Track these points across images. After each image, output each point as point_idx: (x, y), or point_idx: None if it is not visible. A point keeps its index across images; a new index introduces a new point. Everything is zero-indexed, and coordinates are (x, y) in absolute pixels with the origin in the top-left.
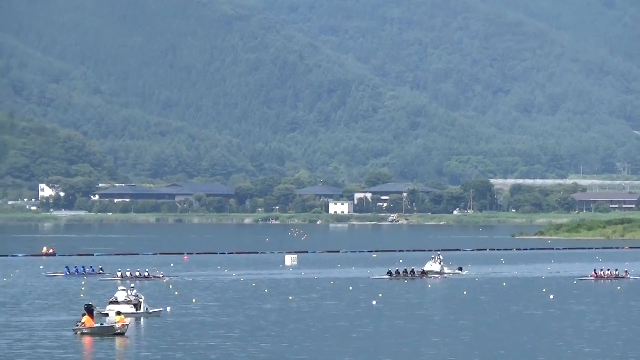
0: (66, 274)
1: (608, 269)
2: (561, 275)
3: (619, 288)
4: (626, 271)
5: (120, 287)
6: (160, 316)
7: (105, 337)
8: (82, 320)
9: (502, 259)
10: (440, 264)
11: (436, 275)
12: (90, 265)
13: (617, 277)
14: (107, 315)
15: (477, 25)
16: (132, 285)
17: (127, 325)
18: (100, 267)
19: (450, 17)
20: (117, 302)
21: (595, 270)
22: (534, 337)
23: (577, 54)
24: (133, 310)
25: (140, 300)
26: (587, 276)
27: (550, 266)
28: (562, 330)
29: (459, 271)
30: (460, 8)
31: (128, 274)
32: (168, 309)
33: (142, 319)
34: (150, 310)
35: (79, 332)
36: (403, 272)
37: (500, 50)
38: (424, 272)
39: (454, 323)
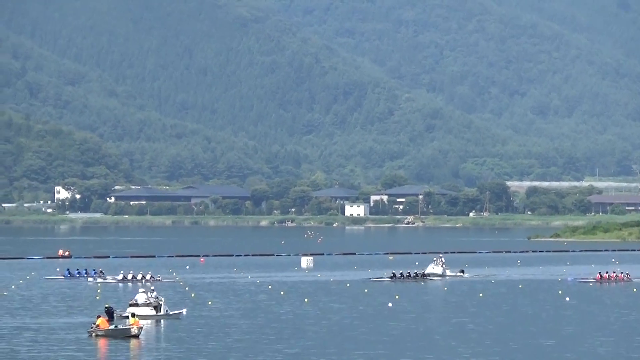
0: (67, 276)
1: (614, 272)
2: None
3: (635, 290)
4: (628, 274)
5: (140, 290)
6: (180, 318)
7: (120, 340)
8: (97, 323)
9: (518, 261)
10: (442, 266)
11: (438, 278)
12: (93, 269)
13: (622, 280)
14: (127, 317)
15: (493, 27)
16: (152, 287)
17: (142, 327)
18: (100, 269)
19: (466, 19)
20: (137, 305)
21: (600, 273)
22: (555, 339)
23: (592, 56)
24: (153, 312)
25: (161, 302)
26: (587, 278)
27: (556, 269)
28: (583, 333)
29: (461, 274)
30: (476, 10)
31: (130, 276)
32: (184, 311)
33: (162, 321)
34: (170, 313)
35: (94, 335)
36: (407, 274)
37: (516, 52)
38: (424, 275)
39: (474, 326)
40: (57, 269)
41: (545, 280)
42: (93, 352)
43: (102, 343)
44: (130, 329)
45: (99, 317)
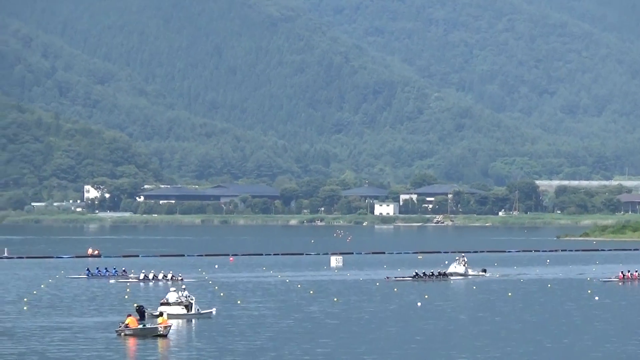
0: (88, 276)
1: (636, 271)
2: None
3: None
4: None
5: (171, 289)
6: (211, 317)
7: (148, 339)
8: (126, 322)
9: (547, 260)
10: (464, 265)
11: (460, 277)
12: (114, 267)
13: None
14: (159, 316)
15: (523, 26)
16: (183, 286)
17: (170, 327)
18: (123, 269)
19: (496, 18)
20: (168, 304)
21: (622, 272)
22: (587, 338)
23: (622, 55)
24: (184, 311)
25: (192, 301)
26: (610, 278)
27: (583, 268)
28: (612, 332)
29: (483, 273)
30: (506, 9)
31: (151, 275)
32: (213, 310)
33: (193, 320)
34: (202, 312)
35: (122, 334)
36: (430, 274)
37: (546, 51)
38: (445, 274)
39: (506, 325)
40: (87, 268)
41: (574, 279)
42: (121, 351)
43: (130, 342)
44: (157, 328)
45: (129, 316)
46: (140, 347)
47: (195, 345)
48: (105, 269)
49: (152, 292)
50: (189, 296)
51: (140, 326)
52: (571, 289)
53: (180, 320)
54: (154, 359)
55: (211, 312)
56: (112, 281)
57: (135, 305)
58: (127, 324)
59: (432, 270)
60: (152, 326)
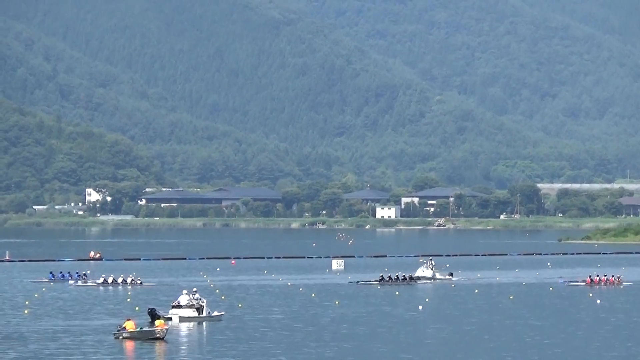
0: (51, 279)
1: (605, 275)
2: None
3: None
4: (619, 277)
5: (183, 291)
6: (221, 320)
7: (145, 341)
8: (124, 325)
9: (548, 264)
10: (432, 269)
11: (428, 281)
12: (76, 271)
13: (612, 283)
14: (170, 319)
15: (525, 29)
16: (194, 289)
17: (167, 329)
18: (84, 273)
19: (498, 21)
20: (179, 306)
21: (590, 276)
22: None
23: (624, 58)
24: (195, 314)
25: (202, 304)
26: (577, 281)
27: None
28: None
29: (450, 277)
30: (507, 12)
31: (111, 279)
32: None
33: (204, 323)
34: (212, 314)
35: (121, 337)
36: (395, 277)
37: (548, 54)
38: (411, 278)
39: (512, 327)
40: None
41: (541, 283)
42: (117, 354)
43: (127, 345)
44: (155, 330)
45: (128, 319)
46: (138, 349)
47: (189, 348)
48: (69, 272)
49: (148, 295)
50: (200, 299)
51: (138, 329)
52: (573, 292)
53: (191, 323)
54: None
55: (222, 314)
56: (71, 284)
57: (148, 307)
58: (125, 327)
59: (397, 274)
60: (149, 329)
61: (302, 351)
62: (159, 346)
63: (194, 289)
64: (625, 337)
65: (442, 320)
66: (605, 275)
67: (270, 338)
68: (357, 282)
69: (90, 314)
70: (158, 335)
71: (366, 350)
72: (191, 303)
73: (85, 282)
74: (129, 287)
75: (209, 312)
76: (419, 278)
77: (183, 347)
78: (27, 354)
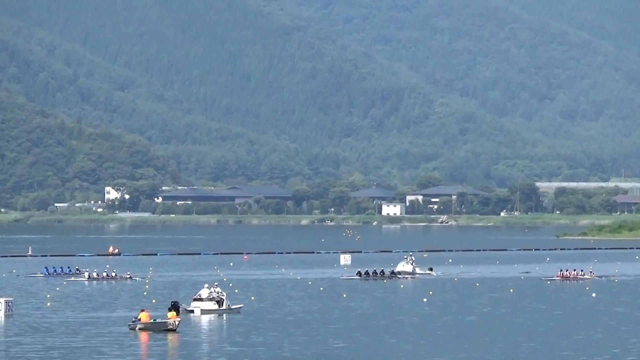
0: (45, 274)
1: (574, 270)
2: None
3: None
4: (591, 272)
5: (205, 285)
6: (240, 312)
7: (158, 333)
8: (139, 317)
9: (547, 259)
10: (412, 264)
11: (408, 276)
12: (68, 266)
13: (582, 277)
14: (192, 312)
15: (524, 35)
16: (215, 283)
17: (179, 321)
18: (77, 267)
19: (498, 27)
20: (200, 299)
21: (561, 270)
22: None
23: (619, 62)
24: (216, 307)
25: (223, 297)
26: (553, 277)
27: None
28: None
29: (430, 272)
30: (507, 19)
31: (95, 274)
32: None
33: (224, 316)
34: (232, 307)
35: (137, 328)
36: (373, 272)
37: (546, 59)
38: (393, 273)
39: (524, 320)
40: (107, 266)
41: (519, 278)
42: (133, 344)
43: (141, 336)
44: (168, 322)
45: (142, 311)
46: (152, 340)
47: (201, 339)
48: (61, 267)
49: (166, 288)
50: (220, 292)
51: (152, 321)
52: (570, 286)
53: (212, 315)
54: (163, 351)
55: (241, 307)
56: (65, 280)
57: (172, 301)
58: (139, 319)
59: (374, 269)
60: (162, 320)
61: (316, 341)
62: (171, 337)
63: (215, 283)
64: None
65: (450, 312)
66: (574, 270)
67: (282, 329)
68: (341, 277)
69: (107, 306)
70: (171, 326)
71: (380, 341)
72: (212, 296)
73: (77, 278)
74: (114, 282)
75: (228, 305)
76: (399, 273)
77: (195, 338)
78: (45, 345)
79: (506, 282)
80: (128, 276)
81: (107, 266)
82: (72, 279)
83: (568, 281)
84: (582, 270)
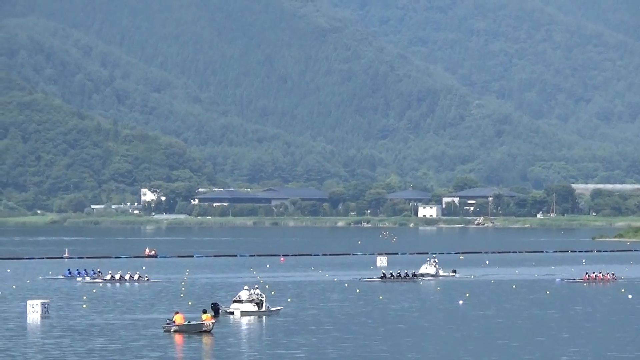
0: (67, 276)
1: (600, 272)
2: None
3: (623, 290)
4: (613, 274)
5: (244, 287)
6: (279, 314)
7: (193, 335)
8: (173, 318)
9: (583, 260)
10: (435, 266)
11: (431, 278)
12: (92, 269)
13: (607, 280)
14: (232, 313)
15: (560, 36)
16: (256, 285)
17: (214, 323)
18: (99, 269)
19: (534, 29)
20: (240, 301)
21: (587, 272)
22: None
23: None
24: (255, 308)
25: (262, 299)
26: (575, 279)
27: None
28: None
29: (453, 274)
30: (543, 20)
31: (118, 276)
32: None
33: (263, 317)
34: (272, 309)
35: (172, 330)
36: (397, 275)
37: (582, 60)
38: (415, 275)
39: (564, 323)
40: (143, 268)
41: (542, 280)
42: (167, 346)
43: (175, 338)
44: (203, 324)
45: (176, 313)
46: (186, 342)
47: (236, 342)
48: (85, 270)
49: (201, 290)
50: (260, 294)
51: (186, 323)
52: (535, 289)
53: (251, 317)
54: (198, 354)
55: (280, 309)
56: (78, 281)
57: (213, 302)
58: (174, 320)
59: (399, 271)
60: (197, 322)
61: (354, 344)
62: (206, 339)
63: (255, 285)
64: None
65: (486, 313)
66: (600, 272)
67: (321, 331)
68: (360, 279)
69: (142, 308)
70: (205, 328)
71: (419, 343)
72: (251, 298)
73: (94, 279)
74: (136, 283)
75: (268, 307)
76: (422, 275)
77: (229, 340)
78: (81, 347)
79: (540, 283)
80: (147, 278)
81: (144, 268)
82: (89, 280)
83: (594, 283)
84: (607, 273)
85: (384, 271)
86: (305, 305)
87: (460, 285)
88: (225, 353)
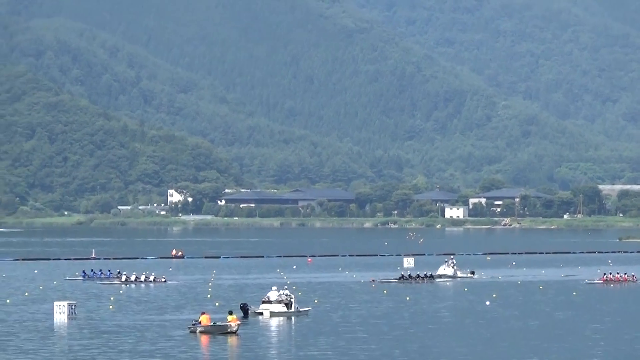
0: (84, 278)
1: (617, 273)
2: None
3: None
4: (633, 275)
5: (273, 287)
6: (308, 315)
7: (219, 336)
8: (199, 319)
9: (609, 261)
10: (453, 267)
11: (449, 279)
12: (108, 269)
13: (626, 281)
14: (261, 314)
15: (587, 37)
16: (285, 286)
17: (239, 324)
18: (118, 270)
19: (561, 29)
20: (269, 302)
21: (605, 274)
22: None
23: None
24: (285, 309)
25: (291, 299)
26: (594, 280)
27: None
28: None
29: (472, 275)
30: (570, 21)
31: (133, 277)
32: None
33: (292, 318)
34: (300, 310)
35: (198, 331)
36: (416, 276)
37: (608, 61)
38: (432, 276)
39: (586, 324)
40: (170, 269)
41: (563, 281)
42: (194, 347)
43: (201, 339)
44: (228, 325)
45: (202, 313)
46: (212, 343)
47: (261, 343)
48: (100, 270)
49: (230, 291)
50: (289, 295)
51: (212, 323)
52: (561, 290)
53: (280, 318)
54: (224, 355)
55: (309, 310)
56: (96, 282)
57: (241, 303)
58: (200, 321)
59: (417, 272)
60: (223, 323)
61: (384, 344)
62: (231, 340)
63: (285, 286)
64: None
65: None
66: (618, 273)
67: (349, 331)
68: (373, 280)
69: (168, 309)
70: (231, 329)
71: (448, 344)
72: (280, 298)
73: (112, 281)
74: (152, 284)
75: (297, 308)
76: (439, 276)
77: (255, 341)
78: (107, 348)
79: (567, 284)
80: (164, 280)
81: (170, 269)
82: (106, 282)
83: (613, 284)
84: (625, 273)
85: (402, 272)
86: (332, 306)
87: (487, 286)
88: (253, 354)
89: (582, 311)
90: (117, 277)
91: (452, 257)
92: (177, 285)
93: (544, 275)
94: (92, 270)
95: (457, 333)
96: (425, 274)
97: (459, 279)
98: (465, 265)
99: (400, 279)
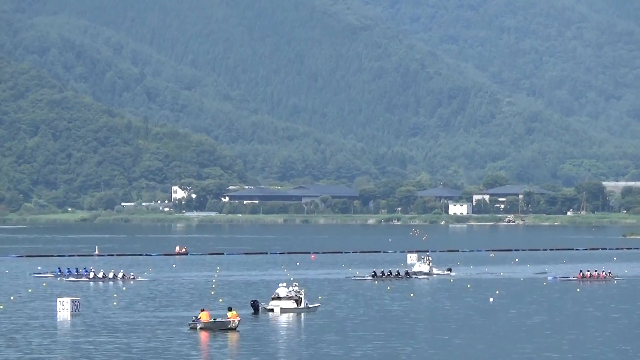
0: (57, 274)
1: (595, 270)
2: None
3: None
4: (610, 272)
5: (281, 284)
6: (317, 311)
7: (219, 332)
8: (199, 316)
9: (614, 258)
10: (429, 264)
11: (425, 277)
12: (83, 267)
13: (603, 278)
14: (271, 310)
15: (591, 34)
16: (295, 283)
17: (239, 321)
18: (92, 268)
19: (565, 26)
20: (279, 298)
21: (581, 271)
22: None
23: None
24: (294, 305)
25: (301, 296)
26: (569, 277)
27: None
28: None
29: (448, 272)
30: (574, 18)
31: (101, 275)
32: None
33: (302, 314)
34: (310, 306)
35: (198, 327)
36: (388, 273)
37: (612, 58)
38: (407, 273)
39: (598, 322)
40: (174, 265)
41: (535, 279)
42: (194, 343)
43: (201, 335)
44: (228, 322)
45: (202, 310)
46: (212, 340)
47: (261, 339)
48: (76, 269)
49: (231, 288)
50: (298, 291)
51: (212, 320)
52: (529, 288)
53: (290, 314)
54: (225, 351)
55: (318, 306)
56: (63, 280)
57: (251, 300)
58: (200, 318)
59: (389, 269)
60: (222, 320)
61: (378, 344)
62: (231, 337)
63: (295, 283)
64: None
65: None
66: (596, 270)
67: (355, 328)
68: (353, 277)
69: (171, 306)
70: (231, 326)
71: (453, 341)
72: (290, 295)
73: (79, 278)
74: (120, 282)
75: (306, 304)
76: (415, 273)
77: (254, 337)
78: (109, 344)
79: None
80: (132, 277)
81: (174, 265)
82: (72, 279)
83: (589, 282)
84: (603, 271)
85: (374, 270)
86: (336, 302)
87: (491, 283)
88: (258, 350)
89: (593, 308)
90: (85, 275)
91: (427, 254)
92: (146, 282)
93: (520, 273)
94: (67, 268)
95: (463, 329)
96: (398, 271)
97: (434, 276)
98: (468, 260)
99: (373, 276)
